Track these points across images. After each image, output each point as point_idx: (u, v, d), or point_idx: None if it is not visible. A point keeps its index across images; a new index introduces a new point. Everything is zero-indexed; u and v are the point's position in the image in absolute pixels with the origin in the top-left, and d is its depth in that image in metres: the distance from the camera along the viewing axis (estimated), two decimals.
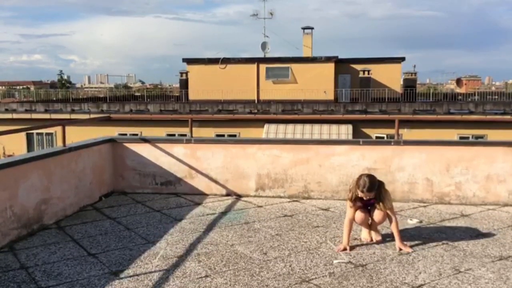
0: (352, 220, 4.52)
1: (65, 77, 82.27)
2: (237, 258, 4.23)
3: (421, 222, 5.32)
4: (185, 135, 7.48)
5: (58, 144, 6.02)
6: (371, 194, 4.38)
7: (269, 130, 23.41)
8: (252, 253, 4.35)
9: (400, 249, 4.39)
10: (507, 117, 22.61)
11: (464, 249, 4.46)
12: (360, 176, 4.46)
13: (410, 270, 3.95)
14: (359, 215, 4.55)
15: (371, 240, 4.66)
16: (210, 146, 6.64)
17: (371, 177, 4.41)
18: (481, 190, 6.07)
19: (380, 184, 4.47)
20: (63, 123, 6.11)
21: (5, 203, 4.62)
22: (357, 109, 24.51)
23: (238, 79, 28.18)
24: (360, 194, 4.40)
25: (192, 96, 29.06)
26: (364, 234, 4.72)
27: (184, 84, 30.39)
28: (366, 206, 4.58)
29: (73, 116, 25.67)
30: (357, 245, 4.55)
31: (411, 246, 4.48)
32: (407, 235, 4.85)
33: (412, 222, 5.30)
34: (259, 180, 6.49)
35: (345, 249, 4.39)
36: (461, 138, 19.94)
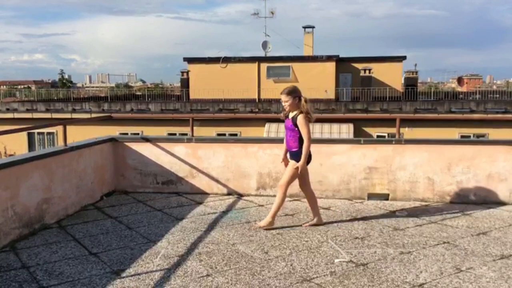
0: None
1: (66, 76, 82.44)
2: (238, 257, 4.24)
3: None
4: (186, 134, 7.49)
5: (59, 144, 6.03)
6: (287, 98, 4.88)
7: (270, 129, 23.41)
8: (253, 252, 4.36)
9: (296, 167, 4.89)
10: (509, 115, 22.57)
11: (465, 248, 4.46)
12: None
13: (411, 269, 3.95)
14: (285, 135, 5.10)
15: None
16: (211, 145, 6.64)
17: (293, 86, 5.03)
18: (482, 189, 6.07)
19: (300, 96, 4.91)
20: (64, 122, 6.12)
21: (6, 203, 4.63)
22: (358, 108, 24.50)
23: (239, 78, 28.18)
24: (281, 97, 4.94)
25: (193, 95, 29.07)
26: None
27: (185, 83, 30.39)
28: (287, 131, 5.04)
29: (74, 115, 25.70)
30: (358, 244, 4.56)
31: (412, 245, 4.50)
32: (408, 234, 4.86)
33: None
34: (260, 179, 6.49)
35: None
36: (462, 137, 19.96)
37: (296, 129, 4.89)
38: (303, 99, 4.89)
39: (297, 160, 4.90)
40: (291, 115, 4.96)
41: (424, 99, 31.10)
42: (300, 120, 4.85)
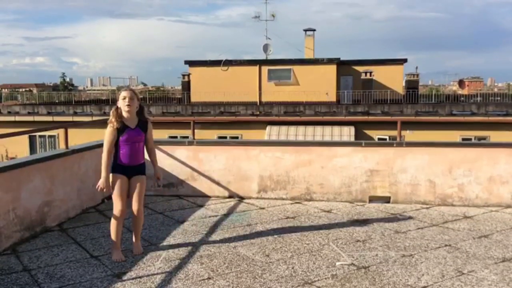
0: (111, 150, 4.17)
1: (67, 79, 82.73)
2: (240, 260, 4.23)
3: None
4: (187, 137, 7.49)
5: (61, 147, 6.04)
6: (133, 102, 4.15)
7: (271, 132, 23.40)
8: (254, 255, 4.35)
9: (158, 179, 4.46)
10: (510, 118, 22.55)
11: (467, 251, 4.45)
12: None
13: (413, 272, 3.94)
14: (124, 148, 4.19)
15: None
16: (212, 148, 6.65)
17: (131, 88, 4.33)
18: (483, 191, 6.06)
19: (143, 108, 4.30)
20: (66, 125, 6.13)
21: (8, 206, 4.63)
22: (359, 111, 24.48)
23: (240, 81, 28.19)
24: (120, 103, 4.16)
25: (194, 98, 29.07)
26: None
27: (186, 86, 30.40)
28: (133, 142, 4.21)
29: (76, 118, 25.68)
30: (360, 247, 4.55)
31: (413, 248, 4.49)
32: (409, 236, 4.85)
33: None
34: (262, 182, 6.49)
35: (102, 189, 4.13)
36: (463, 139, 19.90)
37: (144, 137, 4.30)
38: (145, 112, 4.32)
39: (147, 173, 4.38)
40: (133, 123, 4.23)
41: (425, 101, 31.08)
42: (151, 126, 4.34)
